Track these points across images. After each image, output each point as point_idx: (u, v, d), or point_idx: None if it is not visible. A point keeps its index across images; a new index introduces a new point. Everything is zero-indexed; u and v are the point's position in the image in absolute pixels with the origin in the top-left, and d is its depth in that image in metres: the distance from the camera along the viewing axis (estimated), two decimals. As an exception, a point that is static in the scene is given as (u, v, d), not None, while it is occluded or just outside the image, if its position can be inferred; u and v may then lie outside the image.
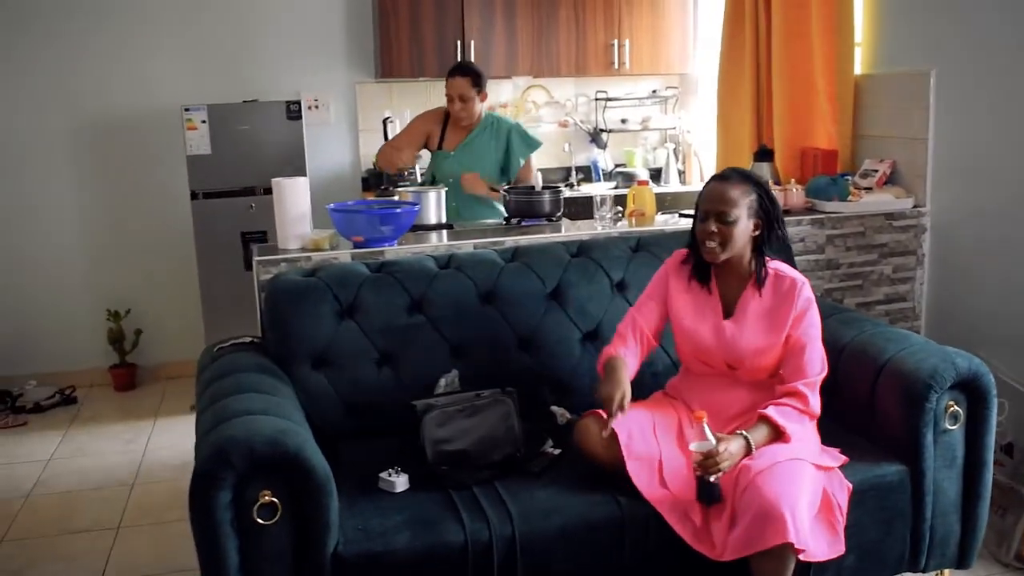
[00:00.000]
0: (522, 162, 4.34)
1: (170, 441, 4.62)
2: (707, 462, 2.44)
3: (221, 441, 2.24)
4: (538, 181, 4.59)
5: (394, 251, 3.37)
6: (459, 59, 5.49)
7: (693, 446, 2.47)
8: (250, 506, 2.24)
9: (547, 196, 3.87)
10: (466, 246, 3.43)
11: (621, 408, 2.60)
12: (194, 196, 5.09)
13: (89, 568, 3.39)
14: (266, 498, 2.24)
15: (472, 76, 4.22)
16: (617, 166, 6.10)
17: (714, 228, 2.68)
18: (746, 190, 2.68)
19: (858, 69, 4.24)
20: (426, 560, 2.36)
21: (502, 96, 6.01)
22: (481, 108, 4.32)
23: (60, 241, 5.45)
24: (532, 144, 4.38)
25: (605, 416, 2.62)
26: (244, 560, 2.25)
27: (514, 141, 4.33)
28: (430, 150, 4.44)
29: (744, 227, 2.68)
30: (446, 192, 3.92)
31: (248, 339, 3.15)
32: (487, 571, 2.38)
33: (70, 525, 3.72)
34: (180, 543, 3.52)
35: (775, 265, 2.78)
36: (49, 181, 5.39)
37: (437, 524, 2.42)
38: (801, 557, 2.38)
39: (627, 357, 2.78)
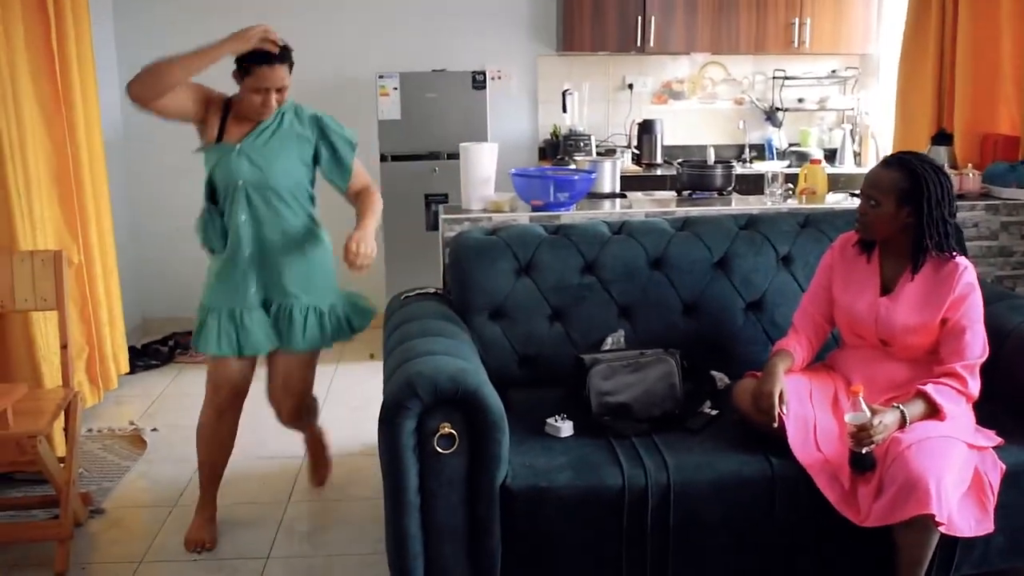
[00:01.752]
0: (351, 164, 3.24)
1: (349, 384, 4.96)
2: (861, 434, 2.51)
3: (409, 375, 2.49)
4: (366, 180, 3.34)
5: (569, 216, 3.57)
6: (638, 35, 5.61)
7: (848, 417, 2.54)
8: (431, 435, 2.47)
9: (719, 170, 3.99)
10: (638, 214, 3.59)
11: (781, 401, 2.70)
12: (383, 158, 5.44)
13: (278, 488, 3.74)
14: (446, 429, 2.47)
15: (290, 62, 3.08)
16: (791, 145, 6.09)
17: (863, 209, 2.79)
18: (901, 178, 2.71)
19: (1049, 54, 4.14)
20: (585, 499, 2.54)
21: (679, 72, 6.10)
22: None
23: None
24: (352, 141, 3.26)
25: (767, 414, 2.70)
26: (423, 483, 2.49)
27: (332, 132, 3.20)
28: (200, 135, 3.19)
29: (889, 213, 2.73)
30: (237, 204, 3.12)
31: (432, 290, 3.42)
32: (641, 514, 2.55)
33: (261, 451, 4.07)
34: (358, 475, 3.85)
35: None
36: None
37: (598, 467, 2.61)
38: (943, 530, 2.44)
39: (796, 349, 2.90)
